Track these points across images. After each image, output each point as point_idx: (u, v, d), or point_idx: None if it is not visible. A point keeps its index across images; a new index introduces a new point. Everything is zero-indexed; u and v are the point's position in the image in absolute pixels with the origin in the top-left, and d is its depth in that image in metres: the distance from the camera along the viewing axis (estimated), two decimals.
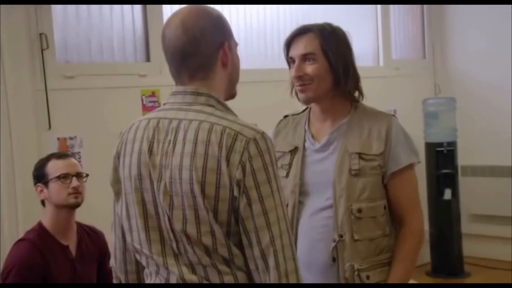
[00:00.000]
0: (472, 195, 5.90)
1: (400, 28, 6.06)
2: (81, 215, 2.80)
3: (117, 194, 1.69)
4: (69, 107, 3.71)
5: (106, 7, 3.98)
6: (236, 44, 1.72)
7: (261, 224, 1.53)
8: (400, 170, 2.12)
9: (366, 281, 2.07)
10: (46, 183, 2.69)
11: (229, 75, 1.69)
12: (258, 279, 1.55)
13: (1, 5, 3.42)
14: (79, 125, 3.73)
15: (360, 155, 2.10)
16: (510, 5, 5.71)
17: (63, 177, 2.68)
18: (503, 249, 5.80)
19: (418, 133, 5.65)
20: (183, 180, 1.54)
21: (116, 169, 1.69)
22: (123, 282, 1.76)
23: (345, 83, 2.12)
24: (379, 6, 5.78)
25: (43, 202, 2.73)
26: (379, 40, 5.79)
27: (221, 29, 1.67)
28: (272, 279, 1.53)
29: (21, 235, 2.84)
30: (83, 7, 3.88)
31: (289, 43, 2.18)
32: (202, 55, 1.62)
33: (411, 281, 2.35)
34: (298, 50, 2.13)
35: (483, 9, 5.93)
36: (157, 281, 1.62)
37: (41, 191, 2.71)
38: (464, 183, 5.84)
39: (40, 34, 3.60)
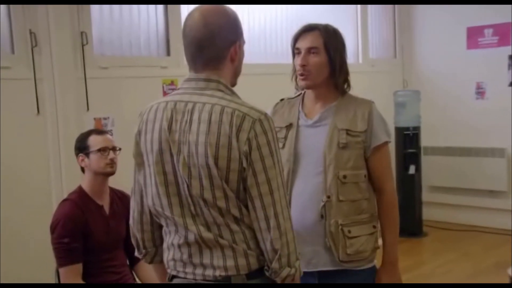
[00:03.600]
0: (432, 170, 5.94)
1: (376, 32, 6.06)
2: (112, 181, 2.82)
3: (139, 165, 1.66)
4: (103, 93, 3.72)
5: (135, 10, 3.98)
6: (244, 42, 1.68)
7: (265, 191, 1.52)
8: (380, 145, 2.14)
9: (348, 235, 2.09)
10: (87, 154, 2.67)
11: (235, 68, 1.65)
12: (260, 236, 1.56)
13: (50, 10, 3.43)
14: (112, 108, 3.75)
15: (347, 131, 2.10)
16: (466, 13, 5.75)
17: (102, 150, 2.66)
18: (455, 214, 5.88)
19: (389, 119, 5.59)
20: (199, 154, 1.52)
21: (137, 144, 1.65)
22: (139, 239, 1.74)
23: (339, 75, 2.13)
24: (359, 13, 5.78)
25: (83, 169, 2.73)
26: (359, 42, 5.80)
27: (236, 29, 1.64)
28: (274, 236, 1.53)
29: (65, 195, 2.87)
30: (116, 10, 3.89)
31: (297, 37, 2.17)
32: (216, 48, 1.58)
33: None
34: (305, 43, 2.12)
35: (443, 19, 5.96)
36: (177, 238, 1.62)
37: (82, 160, 2.69)
38: (426, 160, 5.86)
39: (81, 33, 3.62)
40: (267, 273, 1.58)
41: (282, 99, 2.33)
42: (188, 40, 1.61)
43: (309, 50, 2.12)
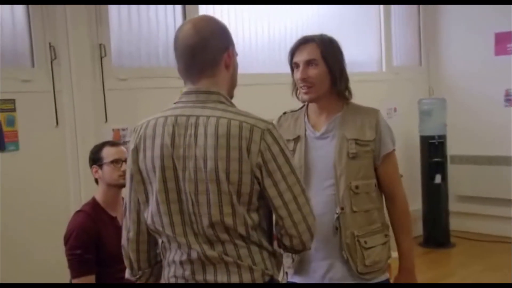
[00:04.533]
0: (459, 180, 5.82)
1: (401, 39, 5.96)
2: None
3: (138, 183, 1.60)
4: (122, 104, 3.74)
5: (153, 21, 4.00)
6: (236, 54, 1.67)
7: (289, 198, 1.53)
8: (389, 153, 2.13)
9: (365, 245, 2.06)
10: (100, 166, 2.69)
11: (231, 76, 1.64)
12: (289, 243, 1.58)
13: (69, 24, 3.47)
14: (130, 119, 3.67)
15: (356, 141, 2.08)
16: (494, 18, 5.62)
17: (115, 161, 2.67)
18: (483, 224, 5.74)
19: (414, 128, 5.60)
20: (208, 169, 1.50)
21: (135, 162, 1.60)
22: (133, 260, 1.69)
23: (340, 84, 2.12)
24: (382, 20, 5.69)
25: (96, 181, 2.75)
26: (382, 50, 5.72)
27: (227, 36, 1.63)
28: (305, 239, 1.57)
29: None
30: (135, 22, 3.91)
31: (293, 51, 2.15)
32: (209, 54, 1.57)
33: None
34: (302, 56, 2.11)
35: (469, 24, 5.83)
36: (178, 254, 1.58)
37: (96, 171, 2.71)
38: (453, 169, 5.75)
39: (100, 45, 3.65)
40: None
41: (284, 113, 2.31)
42: (180, 50, 1.60)
43: (308, 63, 2.10)
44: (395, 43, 5.86)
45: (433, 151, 5.48)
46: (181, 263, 1.58)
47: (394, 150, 2.16)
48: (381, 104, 5.68)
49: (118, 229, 2.68)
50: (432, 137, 5.47)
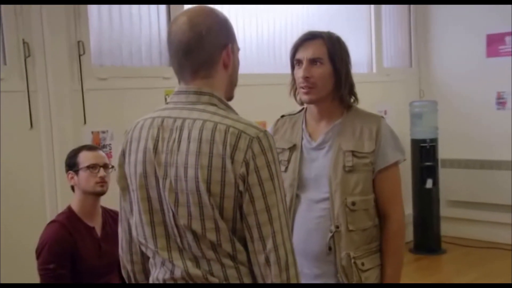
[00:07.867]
0: (451, 184, 5.68)
1: (391, 40, 5.80)
2: (107, 201, 2.61)
3: (123, 189, 1.49)
4: (102, 105, 3.53)
5: (135, 18, 3.78)
6: (238, 49, 1.49)
7: (264, 220, 1.33)
8: (386, 167, 1.92)
9: (362, 268, 1.88)
10: (76, 171, 2.50)
11: (229, 76, 1.46)
12: (259, 272, 1.35)
13: (45, 19, 3.24)
14: (111, 121, 3.54)
15: (353, 153, 1.90)
16: (486, 19, 5.49)
17: (92, 167, 2.49)
18: (475, 230, 5.60)
19: (405, 131, 5.44)
20: (189, 178, 1.34)
21: (121, 166, 1.48)
22: (129, 271, 1.57)
23: (344, 88, 1.93)
24: (373, 21, 5.53)
25: (72, 188, 2.55)
26: (373, 51, 5.55)
27: (226, 31, 1.44)
28: (273, 272, 1.33)
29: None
30: (116, 18, 3.69)
31: (297, 46, 1.96)
32: (206, 52, 1.39)
33: None
34: (307, 53, 1.92)
35: (461, 26, 5.69)
36: (162, 272, 1.43)
37: (72, 178, 2.52)
38: (444, 173, 5.61)
39: (78, 42, 3.42)
40: None
41: (282, 116, 2.12)
42: (173, 47, 1.42)
43: (312, 61, 1.91)
44: (385, 44, 5.70)
45: (425, 155, 5.33)
46: (165, 281, 1.43)
47: (397, 161, 1.95)
48: (371, 107, 5.53)
49: (96, 240, 2.52)
50: (424, 141, 5.33)
